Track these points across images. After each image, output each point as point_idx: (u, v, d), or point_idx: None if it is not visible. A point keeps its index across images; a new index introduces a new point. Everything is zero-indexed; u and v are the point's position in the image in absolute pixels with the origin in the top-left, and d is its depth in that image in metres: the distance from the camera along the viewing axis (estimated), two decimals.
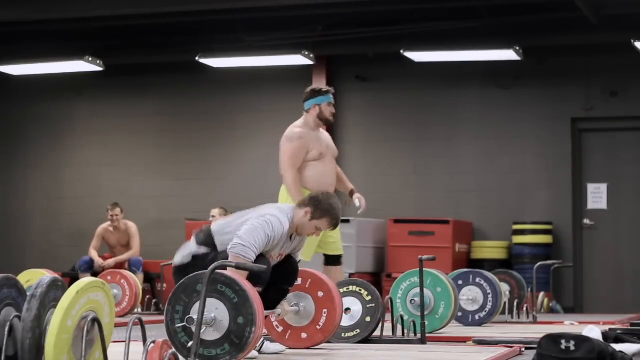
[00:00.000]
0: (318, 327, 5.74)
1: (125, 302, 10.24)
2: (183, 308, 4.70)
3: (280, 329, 5.79)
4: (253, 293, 4.68)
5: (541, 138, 13.00)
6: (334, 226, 5.57)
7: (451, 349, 5.95)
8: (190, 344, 4.56)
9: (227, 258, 5.18)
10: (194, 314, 4.63)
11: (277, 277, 5.41)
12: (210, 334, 4.64)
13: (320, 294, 5.72)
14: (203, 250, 5.37)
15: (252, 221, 5.29)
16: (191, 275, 4.74)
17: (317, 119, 7.65)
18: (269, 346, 5.47)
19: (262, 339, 5.48)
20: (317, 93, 7.67)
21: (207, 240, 5.39)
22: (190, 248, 5.42)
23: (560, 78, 12.99)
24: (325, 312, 5.75)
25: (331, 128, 13.53)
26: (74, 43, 13.50)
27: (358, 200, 7.70)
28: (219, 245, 5.36)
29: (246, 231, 5.22)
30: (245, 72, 13.55)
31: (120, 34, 13.49)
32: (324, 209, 5.47)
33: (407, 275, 7.37)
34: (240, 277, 4.78)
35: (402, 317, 6.71)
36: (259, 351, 5.41)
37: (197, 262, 5.31)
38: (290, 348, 5.74)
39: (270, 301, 5.45)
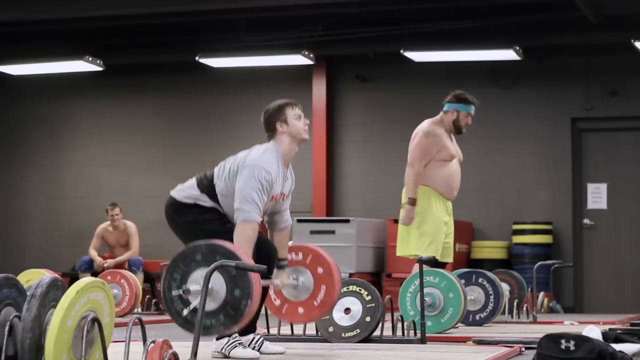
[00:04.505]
0: (315, 303, 5.69)
1: (125, 302, 10.23)
2: (180, 276, 4.72)
3: (277, 302, 5.73)
4: (251, 262, 4.67)
5: (541, 138, 13.00)
6: (295, 104, 5.50)
7: (451, 349, 5.95)
8: (185, 311, 4.61)
9: (227, 232, 5.15)
10: (191, 283, 4.66)
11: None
12: (207, 305, 4.63)
13: (320, 270, 5.68)
14: (208, 203, 5.31)
15: (244, 178, 5.21)
16: (191, 245, 4.74)
17: (451, 124, 7.72)
18: (268, 346, 5.44)
19: (262, 339, 5.47)
20: (460, 100, 7.76)
21: (210, 191, 5.33)
22: (193, 191, 5.38)
23: (560, 78, 12.99)
24: (323, 288, 5.69)
25: (331, 128, 13.56)
26: (74, 43, 13.50)
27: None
28: (222, 205, 5.31)
29: (242, 197, 5.17)
30: (245, 72, 13.55)
31: (120, 34, 13.49)
32: (275, 107, 5.46)
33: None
34: (239, 250, 4.75)
35: (402, 317, 6.71)
36: (259, 351, 5.39)
37: (197, 210, 5.29)
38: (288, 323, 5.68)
39: None
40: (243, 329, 5.35)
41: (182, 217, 5.33)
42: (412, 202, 7.61)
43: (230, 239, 5.07)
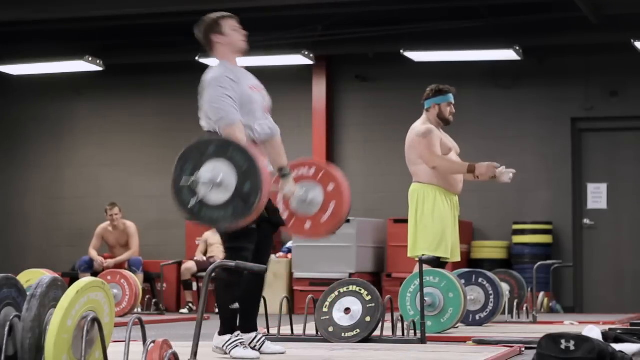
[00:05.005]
0: (323, 219, 5.65)
1: (125, 302, 10.24)
2: (192, 167, 4.71)
3: (285, 214, 5.67)
4: (262, 164, 4.66)
5: (541, 138, 13.00)
6: (232, 16, 5.51)
7: (451, 349, 5.95)
8: (192, 202, 4.65)
9: None
10: (201, 174, 4.65)
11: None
12: (216, 197, 4.64)
13: (331, 186, 5.64)
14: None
15: (208, 93, 5.42)
16: (204, 137, 4.74)
17: (437, 118, 7.73)
18: (269, 346, 5.43)
19: (264, 338, 5.46)
20: (437, 92, 7.76)
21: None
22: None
23: (560, 78, 12.99)
24: (332, 205, 5.66)
25: (331, 128, 13.56)
26: (74, 43, 13.50)
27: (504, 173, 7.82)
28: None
29: (213, 107, 5.34)
30: None
31: (120, 34, 13.49)
32: (210, 19, 5.48)
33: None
34: (253, 147, 4.74)
35: (402, 317, 6.71)
36: (259, 350, 5.39)
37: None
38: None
39: (249, 286, 5.32)
40: (245, 327, 5.38)
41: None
42: (471, 168, 7.62)
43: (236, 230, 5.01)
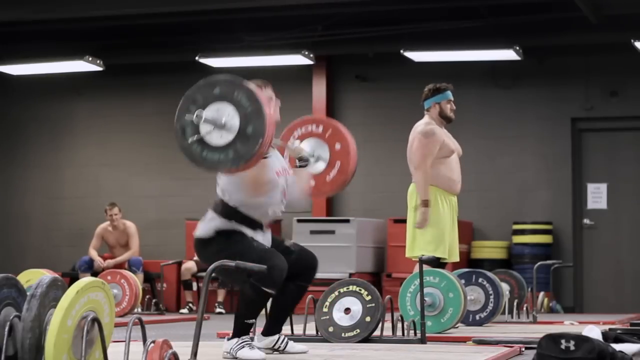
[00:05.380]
0: (328, 178, 5.64)
1: (125, 302, 10.24)
2: (197, 106, 4.69)
3: (290, 172, 5.60)
4: (268, 110, 4.65)
5: (541, 138, 13.00)
6: (265, 85, 5.49)
7: (451, 349, 5.95)
8: (190, 139, 4.63)
9: (250, 248, 5.12)
10: (207, 112, 4.63)
11: (294, 272, 5.34)
12: (217, 139, 4.63)
13: (338, 146, 5.62)
14: (227, 226, 5.20)
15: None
16: (210, 77, 4.72)
17: (439, 117, 7.73)
18: (293, 345, 5.47)
19: (287, 338, 5.48)
20: (435, 91, 7.75)
21: (226, 210, 5.23)
22: (212, 223, 5.24)
23: (560, 78, 12.99)
24: (338, 164, 5.64)
25: None
26: (74, 43, 13.50)
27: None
28: (244, 209, 5.22)
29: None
30: (245, 72, 13.42)
31: (120, 34, 13.49)
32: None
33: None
34: (259, 91, 4.73)
35: (402, 317, 6.71)
36: (284, 350, 5.42)
37: (220, 237, 5.19)
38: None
39: (289, 299, 5.41)
40: (270, 331, 5.44)
41: (207, 250, 5.22)
42: (425, 203, 7.58)
43: (257, 257, 5.00)
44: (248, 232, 5.22)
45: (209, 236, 5.23)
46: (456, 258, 7.80)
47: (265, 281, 5.03)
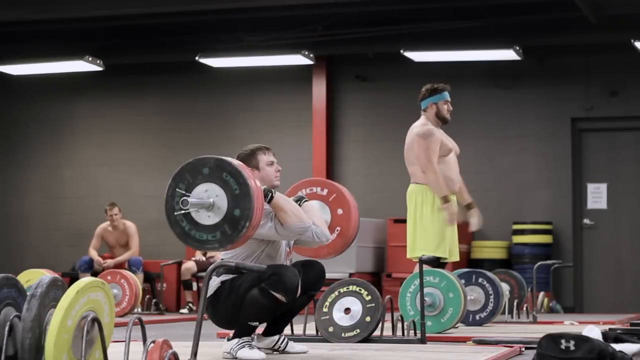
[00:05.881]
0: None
1: (125, 301, 10.24)
2: (185, 187, 4.74)
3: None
4: (256, 191, 4.67)
5: (541, 138, 13.00)
6: (267, 149, 5.48)
7: (451, 349, 5.95)
8: (180, 211, 4.71)
9: (254, 279, 5.12)
10: (195, 195, 4.69)
11: (305, 286, 5.33)
12: (206, 219, 4.69)
13: (340, 211, 5.65)
14: (230, 275, 5.25)
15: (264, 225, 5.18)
16: (200, 157, 4.74)
17: (435, 118, 7.71)
18: (293, 346, 5.48)
19: (287, 339, 5.49)
20: (432, 91, 7.75)
21: (228, 270, 5.24)
22: (215, 280, 5.27)
23: (560, 78, 12.99)
24: (338, 230, 5.68)
25: (331, 128, 13.56)
26: (74, 43, 13.50)
27: (475, 217, 7.77)
28: (247, 258, 5.26)
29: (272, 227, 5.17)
30: (245, 72, 13.55)
31: (120, 34, 13.49)
32: (247, 151, 5.42)
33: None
34: (248, 171, 4.74)
35: (402, 317, 6.71)
36: (284, 351, 5.42)
37: (225, 283, 5.21)
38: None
39: (295, 306, 5.42)
40: (271, 331, 5.46)
41: (218, 301, 5.22)
42: (446, 199, 7.59)
43: (268, 270, 5.04)
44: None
45: (215, 290, 5.23)
46: (456, 257, 7.80)
47: (276, 286, 5.03)
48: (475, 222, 7.95)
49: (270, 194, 5.15)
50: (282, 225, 5.16)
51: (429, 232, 7.55)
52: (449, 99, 7.81)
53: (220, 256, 5.43)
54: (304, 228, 5.18)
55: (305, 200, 5.45)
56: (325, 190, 5.70)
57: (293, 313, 5.54)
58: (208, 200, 4.69)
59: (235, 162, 4.76)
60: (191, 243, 4.79)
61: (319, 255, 5.75)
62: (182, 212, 4.73)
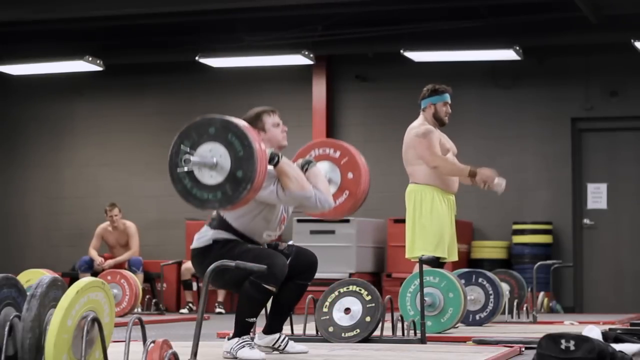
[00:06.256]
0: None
1: (125, 302, 10.23)
2: (190, 144, 4.76)
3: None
4: (260, 154, 4.67)
5: (541, 138, 13.00)
6: (273, 111, 5.46)
7: (451, 349, 5.94)
8: (184, 168, 4.72)
9: (247, 250, 5.13)
10: (199, 154, 4.72)
11: (294, 272, 5.36)
12: (208, 178, 4.71)
13: (350, 175, 5.63)
14: (223, 235, 5.24)
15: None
16: (207, 117, 4.76)
17: (432, 118, 7.71)
18: (293, 345, 5.47)
19: (287, 338, 5.48)
20: (433, 92, 7.74)
21: (222, 224, 5.27)
22: (208, 234, 5.28)
23: (560, 78, 12.99)
24: (345, 194, 5.67)
25: (331, 128, 13.56)
26: (74, 43, 13.50)
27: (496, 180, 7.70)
28: (239, 227, 5.26)
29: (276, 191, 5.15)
30: (245, 72, 13.55)
31: (120, 34, 13.49)
32: (252, 115, 5.41)
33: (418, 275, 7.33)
34: (254, 134, 4.75)
35: (402, 317, 6.71)
36: (284, 350, 5.42)
37: (217, 245, 5.21)
38: None
39: (289, 298, 5.41)
40: (270, 329, 5.45)
41: (205, 259, 5.22)
42: (472, 173, 7.59)
43: (258, 253, 5.08)
44: (243, 241, 5.26)
45: (206, 245, 5.26)
46: (455, 257, 7.80)
47: (266, 278, 5.04)
48: (498, 182, 7.87)
49: (276, 158, 5.15)
50: (284, 190, 5.16)
51: (427, 232, 7.55)
52: (449, 102, 7.80)
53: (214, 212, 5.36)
54: (305, 197, 5.17)
55: (313, 165, 5.40)
56: (338, 153, 5.67)
57: (289, 307, 5.51)
58: (211, 160, 4.71)
59: (242, 124, 4.77)
60: (192, 201, 4.78)
61: (324, 215, 5.71)
62: (185, 169, 4.73)
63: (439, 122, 7.76)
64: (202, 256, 5.25)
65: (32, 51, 13.41)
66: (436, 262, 7.44)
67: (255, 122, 5.35)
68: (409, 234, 7.65)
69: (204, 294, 4.31)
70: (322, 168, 5.56)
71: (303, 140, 14.23)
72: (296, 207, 5.45)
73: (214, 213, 5.36)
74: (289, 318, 6.40)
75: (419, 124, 7.75)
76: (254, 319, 5.21)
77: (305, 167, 5.34)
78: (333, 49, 13.23)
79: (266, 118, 5.42)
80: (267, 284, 5.07)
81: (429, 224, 7.56)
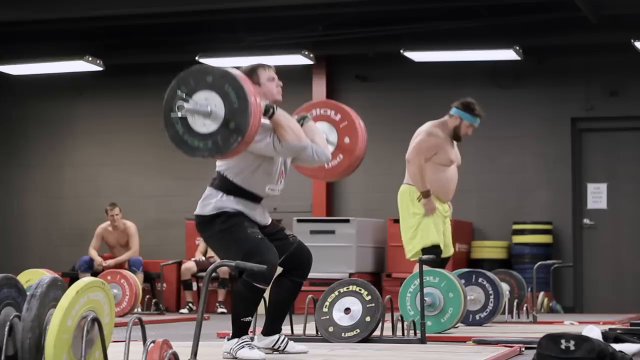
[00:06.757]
0: (326, 166, 5.67)
1: (125, 301, 10.23)
2: (187, 90, 4.79)
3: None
4: (255, 107, 4.70)
5: (541, 138, 13.00)
6: (268, 66, 5.44)
7: (451, 349, 5.95)
8: (177, 114, 4.75)
9: (245, 238, 5.14)
10: (195, 101, 4.74)
11: (290, 267, 5.36)
12: (201, 126, 4.75)
13: (347, 140, 5.64)
14: (227, 204, 5.22)
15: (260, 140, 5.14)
16: (205, 65, 4.80)
17: (451, 129, 7.73)
18: (293, 346, 5.47)
19: (287, 339, 5.48)
20: (467, 109, 7.76)
21: (223, 183, 5.28)
22: (211, 201, 5.27)
23: (560, 78, 12.99)
24: (340, 157, 5.68)
25: None
26: (74, 43, 13.50)
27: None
28: (241, 183, 5.24)
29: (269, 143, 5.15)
30: None
31: (120, 34, 13.49)
32: (248, 68, 5.36)
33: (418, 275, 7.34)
34: (250, 87, 4.77)
35: (402, 317, 6.71)
36: (284, 351, 5.42)
37: (219, 220, 5.21)
38: None
39: (285, 296, 5.42)
40: (270, 330, 5.46)
41: (206, 232, 5.29)
42: (426, 194, 7.64)
43: (253, 246, 5.10)
44: (247, 210, 5.24)
45: (209, 214, 5.26)
46: (451, 251, 7.87)
47: (257, 277, 5.05)
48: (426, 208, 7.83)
49: (272, 110, 5.17)
50: (280, 142, 5.17)
51: (421, 228, 7.60)
52: (476, 126, 7.84)
53: (217, 166, 5.36)
54: (301, 147, 5.19)
55: (308, 120, 5.43)
56: (339, 116, 5.70)
57: (286, 306, 5.50)
58: (206, 109, 4.74)
59: (240, 77, 4.78)
60: (182, 147, 4.82)
61: (317, 176, 5.73)
62: (179, 115, 4.75)
63: (455, 136, 7.82)
64: (204, 227, 5.28)
65: (32, 51, 13.41)
66: (436, 261, 7.44)
67: (251, 75, 5.33)
68: (405, 234, 7.68)
69: (204, 294, 4.31)
70: (321, 128, 5.58)
71: None
72: (294, 161, 5.44)
73: (218, 170, 5.34)
74: (288, 318, 6.40)
75: (434, 125, 7.77)
76: (250, 317, 5.21)
77: (301, 122, 5.36)
78: (333, 49, 13.23)
79: (262, 72, 5.42)
80: (258, 282, 5.09)
81: (421, 223, 7.61)
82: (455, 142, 7.94)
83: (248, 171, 5.25)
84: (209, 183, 5.39)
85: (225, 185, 5.28)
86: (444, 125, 7.82)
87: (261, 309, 5.45)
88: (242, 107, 4.67)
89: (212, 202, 5.28)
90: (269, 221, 5.41)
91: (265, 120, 5.08)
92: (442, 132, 7.77)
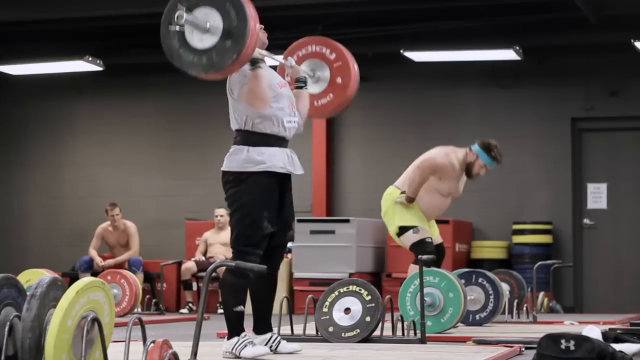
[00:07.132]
0: (316, 103, 5.67)
1: (125, 302, 10.23)
2: (188, 5, 4.76)
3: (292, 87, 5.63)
4: (253, 29, 4.73)
5: (541, 138, 13.00)
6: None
7: (451, 349, 5.95)
8: (175, 27, 4.71)
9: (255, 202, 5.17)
10: (193, 16, 4.72)
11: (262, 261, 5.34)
12: (198, 41, 4.76)
13: (339, 80, 5.65)
14: (255, 156, 5.23)
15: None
16: None
17: (466, 163, 7.72)
18: (285, 345, 5.45)
19: (279, 337, 5.47)
20: (487, 150, 7.77)
21: (243, 136, 5.30)
22: (236, 154, 5.29)
23: (560, 78, 12.99)
24: (330, 96, 5.68)
25: (331, 128, 13.55)
26: (74, 43, 13.50)
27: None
28: (263, 130, 5.26)
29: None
30: None
31: (120, 34, 13.49)
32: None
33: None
34: (252, 10, 4.83)
35: (402, 317, 6.71)
36: (276, 350, 5.41)
37: (238, 179, 5.22)
38: None
39: (262, 292, 5.43)
40: (259, 329, 5.44)
41: (226, 186, 5.31)
42: (410, 200, 7.69)
43: (249, 224, 5.13)
44: (273, 160, 5.23)
45: (236, 171, 5.25)
46: (439, 239, 7.91)
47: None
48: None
49: (257, 63, 5.18)
50: (242, 97, 5.20)
51: (406, 211, 7.65)
52: (490, 168, 7.86)
53: (232, 126, 5.37)
54: (257, 113, 5.20)
55: (305, 88, 5.46)
56: (334, 55, 5.71)
57: (267, 300, 5.48)
58: (204, 24, 4.74)
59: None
60: (176, 61, 4.81)
61: (307, 113, 5.71)
62: (177, 28, 4.74)
63: (467, 172, 7.82)
64: (226, 180, 5.26)
65: (32, 51, 13.41)
66: (434, 260, 7.45)
67: None
68: (390, 222, 7.72)
69: (204, 294, 4.31)
70: (313, 64, 5.57)
71: (303, 141, 14.28)
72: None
73: (233, 127, 5.35)
74: (288, 318, 6.40)
75: (456, 156, 7.75)
76: (241, 307, 5.19)
77: (299, 85, 5.36)
78: None
79: None
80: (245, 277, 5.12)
81: (407, 209, 7.66)
82: (463, 178, 7.93)
83: (262, 113, 5.24)
84: (232, 142, 5.38)
85: (248, 138, 5.28)
86: (465, 158, 7.82)
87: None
88: (241, 27, 4.69)
89: (235, 158, 5.28)
90: (301, 172, 5.39)
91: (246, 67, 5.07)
92: (459, 165, 7.77)
